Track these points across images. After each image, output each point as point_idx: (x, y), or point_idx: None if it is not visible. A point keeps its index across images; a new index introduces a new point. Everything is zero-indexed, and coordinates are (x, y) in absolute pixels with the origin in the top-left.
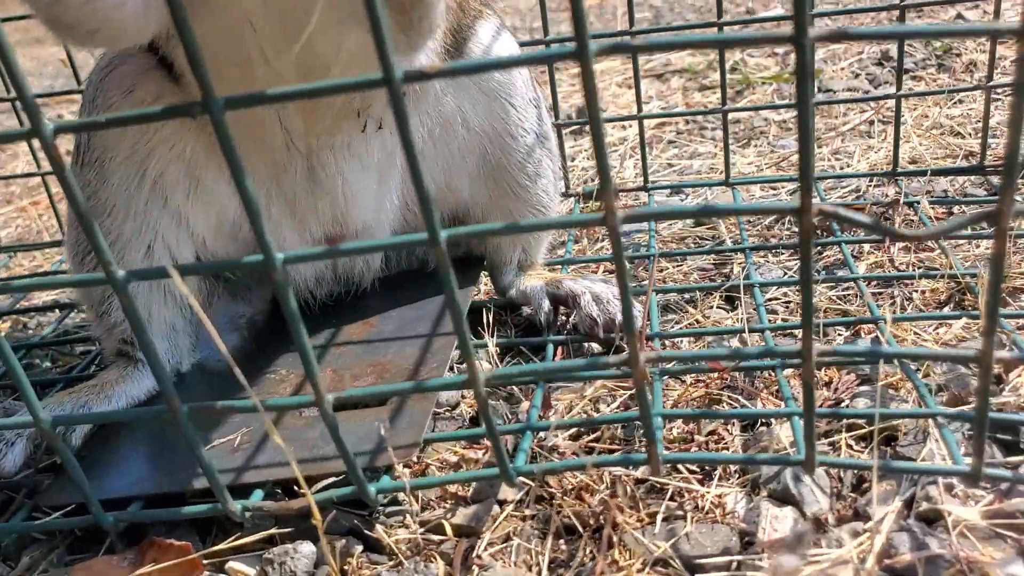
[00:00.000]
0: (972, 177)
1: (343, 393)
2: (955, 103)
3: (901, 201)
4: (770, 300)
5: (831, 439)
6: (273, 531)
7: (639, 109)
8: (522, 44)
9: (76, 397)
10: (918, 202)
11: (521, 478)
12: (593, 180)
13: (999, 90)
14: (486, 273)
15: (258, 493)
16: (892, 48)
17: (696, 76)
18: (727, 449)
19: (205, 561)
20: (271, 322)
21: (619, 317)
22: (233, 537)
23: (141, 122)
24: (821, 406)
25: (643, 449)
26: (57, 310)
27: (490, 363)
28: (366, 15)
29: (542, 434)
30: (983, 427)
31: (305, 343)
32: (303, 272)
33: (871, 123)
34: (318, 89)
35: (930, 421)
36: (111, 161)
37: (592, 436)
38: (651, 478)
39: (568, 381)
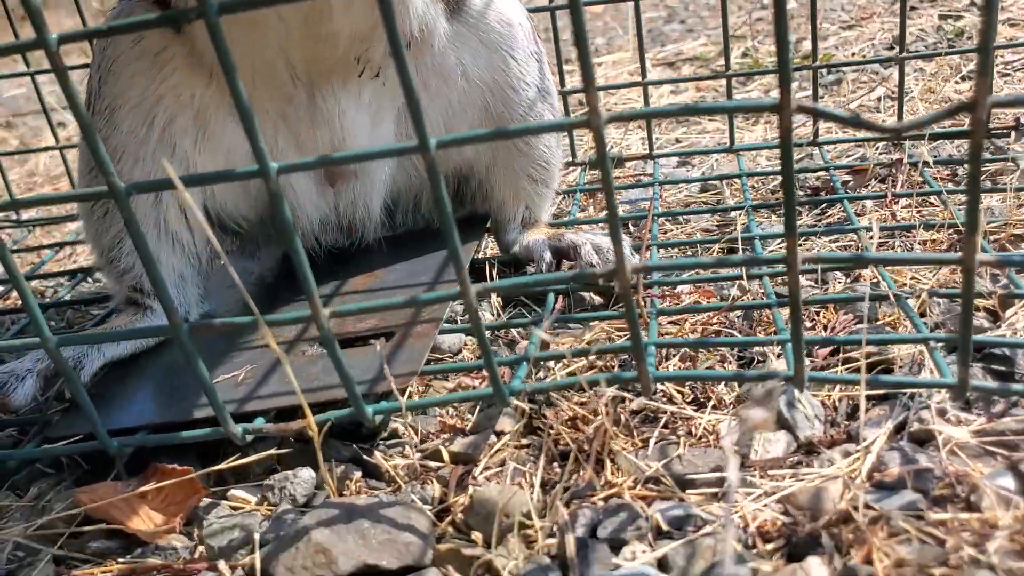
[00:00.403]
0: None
1: (340, 308)
2: (962, 77)
3: (905, 161)
4: (771, 253)
5: (829, 371)
6: (273, 452)
7: (643, 73)
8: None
9: (109, 333)
10: (924, 163)
11: (517, 402)
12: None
13: (1007, 65)
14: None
15: (260, 419)
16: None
17: (707, 63)
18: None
19: (210, 488)
20: (280, 280)
21: None
22: (233, 458)
23: (138, 29)
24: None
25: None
26: (74, 277)
27: (492, 314)
28: None
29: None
30: (968, 335)
31: (300, 253)
32: (309, 215)
33: (879, 99)
34: None
35: (923, 348)
36: (120, 109)
37: (588, 372)
38: (646, 405)
39: (567, 324)
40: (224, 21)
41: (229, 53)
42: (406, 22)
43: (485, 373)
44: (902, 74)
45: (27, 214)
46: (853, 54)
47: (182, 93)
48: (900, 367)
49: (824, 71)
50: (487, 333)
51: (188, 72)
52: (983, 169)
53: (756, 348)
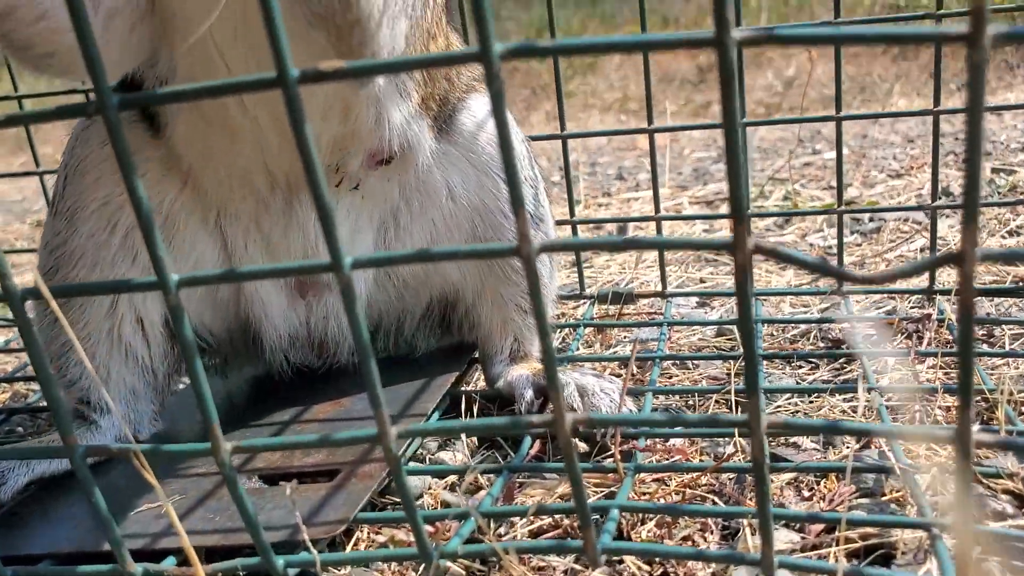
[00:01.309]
0: (1019, 301)
1: (241, 443)
2: (1010, 232)
3: (934, 317)
4: (777, 409)
5: (820, 551)
6: None
7: (656, 207)
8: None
9: (17, 449)
10: (951, 321)
11: (451, 566)
12: (610, 283)
13: None
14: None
15: (170, 559)
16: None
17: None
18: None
19: None
20: (249, 402)
21: (605, 410)
22: None
23: (39, 121)
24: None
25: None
26: None
27: (464, 454)
28: (332, 49)
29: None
30: (968, 523)
31: (200, 376)
32: (277, 327)
33: (920, 250)
34: (213, 88)
35: (923, 533)
36: (83, 210)
37: (555, 532)
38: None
39: (542, 473)
40: (201, 125)
41: (128, 148)
42: (384, 136)
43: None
44: (934, 224)
45: None
46: (899, 203)
47: (152, 196)
48: (903, 553)
49: (866, 218)
50: (453, 477)
51: (160, 177)
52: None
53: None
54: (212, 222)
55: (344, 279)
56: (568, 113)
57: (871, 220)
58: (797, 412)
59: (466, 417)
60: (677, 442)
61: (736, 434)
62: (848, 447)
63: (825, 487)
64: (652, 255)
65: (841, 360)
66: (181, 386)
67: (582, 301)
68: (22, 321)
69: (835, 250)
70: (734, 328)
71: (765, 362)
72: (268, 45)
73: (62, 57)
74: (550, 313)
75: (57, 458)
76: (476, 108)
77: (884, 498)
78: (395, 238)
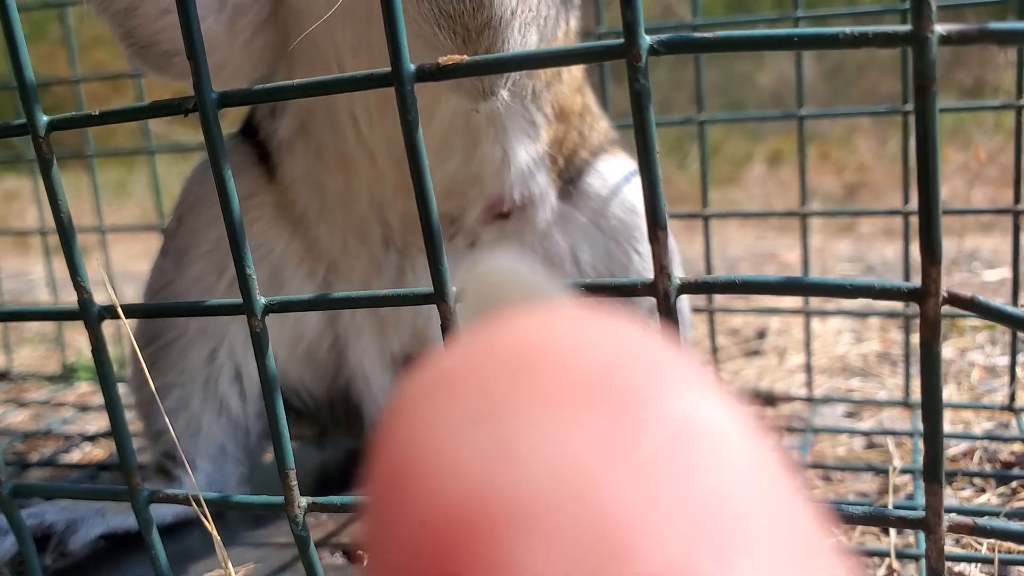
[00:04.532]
0: None
1: (318, 499)
2: None
3: None
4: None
5: None
6: None
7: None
8: None
9: (95, 503)
10: None
11: None
12: (754, 380)
13: None
14: None
15: None
16: None
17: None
18: None
19: None
20: (342, 475)
21: None
22: None
23: (134, 119)
24: None
25: None
26: None
27: None
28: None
29: None
30: None
31: (279, 410)
32: (380, 405)
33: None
34: (323, 83)
35: None
36: (193, 251)
37: None
38: None
39: None
40: (315, 161)
41: (223, 144)
42: (507, 182)
43: None
44: None
45: None
46: None
47: (262, 245)
48: None
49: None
50: None
51: (272, 224)
52: None
53: None
54: (320, 279)
55: (447, 310)
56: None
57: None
58: (959, 540)
59: None
60: None
61: (892, 554)
62: None
63: None
64: (794, 361)
65: (1012, 484)
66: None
67: None
68: (96, 341)
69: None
70: (887, 441)
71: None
72: (388, 61)
73: (184, 57)
74: None
75: (125, 505)
76: (606, 171)
77: None
78: None
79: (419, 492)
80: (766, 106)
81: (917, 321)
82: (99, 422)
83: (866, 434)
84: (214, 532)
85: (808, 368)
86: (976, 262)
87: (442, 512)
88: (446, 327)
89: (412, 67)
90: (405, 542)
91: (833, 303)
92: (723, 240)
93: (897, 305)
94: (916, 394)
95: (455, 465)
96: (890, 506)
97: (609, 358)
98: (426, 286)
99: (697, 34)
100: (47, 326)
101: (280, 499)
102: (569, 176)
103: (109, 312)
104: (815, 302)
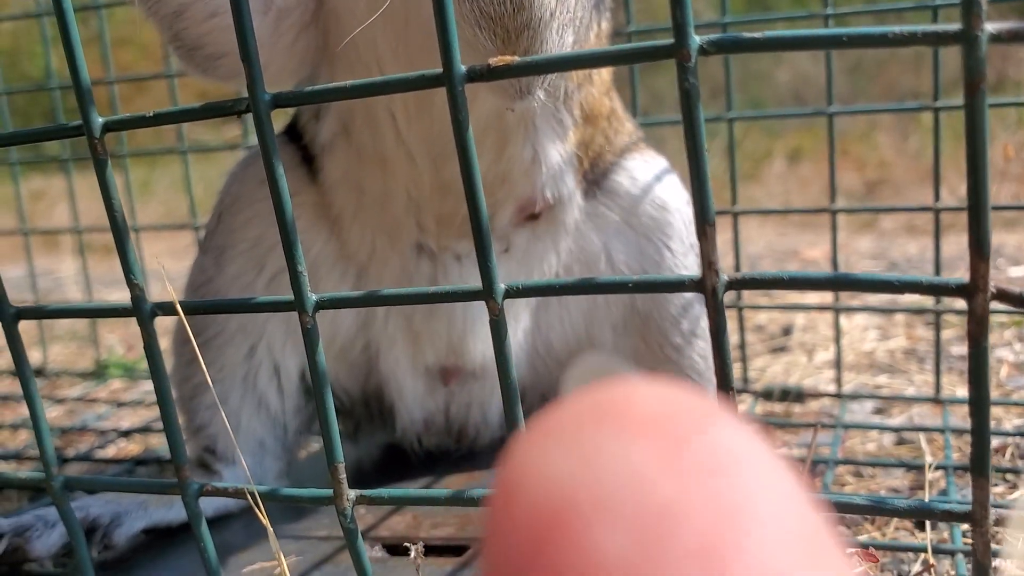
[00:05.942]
0: None
1: (366, 492)
2: None
3: None
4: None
5: None
6: None
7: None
8: None
9: (138, 497)
10: None
11: None
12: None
13: None
14: None
15: None
16: None
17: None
18: None
19: None
20: (376, 470)
21: None
22: None
23: (187, 120)
24: None
25: None
26: None
27: None
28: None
29: None
30: None
31: (329, 406)
32: (411, 412)
33: None
34: (372, 84)
35: None
36: (232, 249)
37: None
38: None
39: None
40: (355, 161)
41: (274, 149)
42: (538, 182)
43: None
44: None
45: None
46: None
47: (301, 242)
48: None
49: None
50: None
51: (311, 223)
52: None
53: None
54: (352, 281)
55: (495, 307)
56: (727, 222)
57: None
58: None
59: None
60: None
61: (928, 550)
62: None
63: None
64: (821, 358)
65: None
66: (305, 452)
67: (742, 395)
68: (148, 337)
69: None
70: (918, 437)
71: (955, 476)
72: (426, 62)
73: (231, 59)
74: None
75: (173, 499)
76: (635, 169)
77: None
78: (554, 315)
79: (527, 493)
80: (785, 102)
81: (947, 317)
82: (132, 418)
83: (896, 430)
84: (267, 524)
85: (838, 364)
86: (1001, 258)
87: (542, 505)
88: (495, 325)
89: (463, 68)
90: (516, 526)
91: (859, 299)
92: (744, 237)
93: (925, 302)
94: (946, 390)
95: (553, 475)
96: (926, 500)
97: (664, 408)
98: (458, 307)
99: (747, 34)
100: (78, 324)
101: (329, 492)
102: (593, 177)
103: (161, 308)
104: (840, 299)
